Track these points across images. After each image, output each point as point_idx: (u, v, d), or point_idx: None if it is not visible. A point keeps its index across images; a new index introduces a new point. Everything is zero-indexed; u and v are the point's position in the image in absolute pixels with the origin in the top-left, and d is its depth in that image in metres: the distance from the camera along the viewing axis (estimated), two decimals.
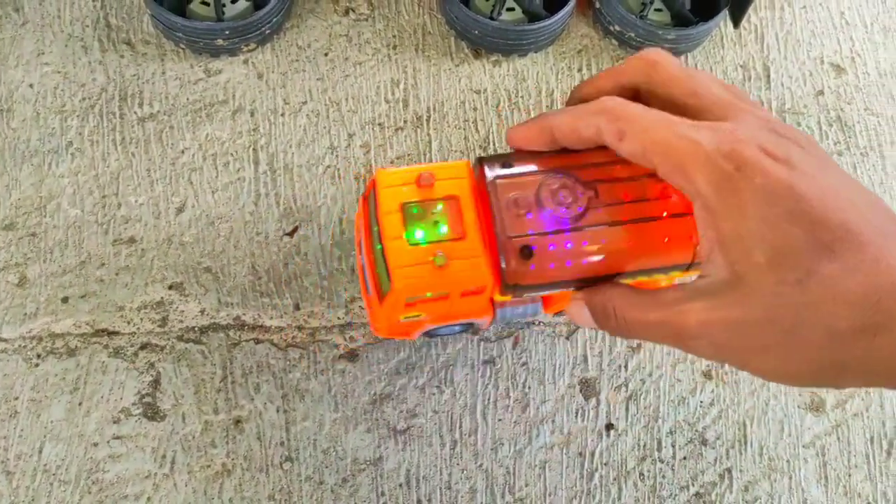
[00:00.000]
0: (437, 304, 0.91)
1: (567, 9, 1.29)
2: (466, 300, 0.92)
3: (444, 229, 0.85)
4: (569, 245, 0.86)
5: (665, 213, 0.86)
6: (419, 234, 0.85)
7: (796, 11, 1.45)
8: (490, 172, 0.87)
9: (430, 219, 0.86)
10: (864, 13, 1.46)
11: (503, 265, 0.84)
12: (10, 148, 1.18)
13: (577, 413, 1.11)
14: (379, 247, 0.88)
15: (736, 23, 1.36)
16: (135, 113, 1.22)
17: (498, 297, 0.93)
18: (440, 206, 0.86)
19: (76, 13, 1.28)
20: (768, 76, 1.38)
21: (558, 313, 1.07)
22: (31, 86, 1.23)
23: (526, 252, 0.85)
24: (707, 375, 1.15)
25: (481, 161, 0.88)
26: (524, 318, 1.02)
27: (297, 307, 1.13)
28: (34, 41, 1.26)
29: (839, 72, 1.40)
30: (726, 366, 1.16)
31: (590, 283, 0.89)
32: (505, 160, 0.88)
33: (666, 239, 0.85)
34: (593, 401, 1.12)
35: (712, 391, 1.14)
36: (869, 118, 1.36)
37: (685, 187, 0.74)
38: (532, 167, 0.88)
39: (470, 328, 1.05)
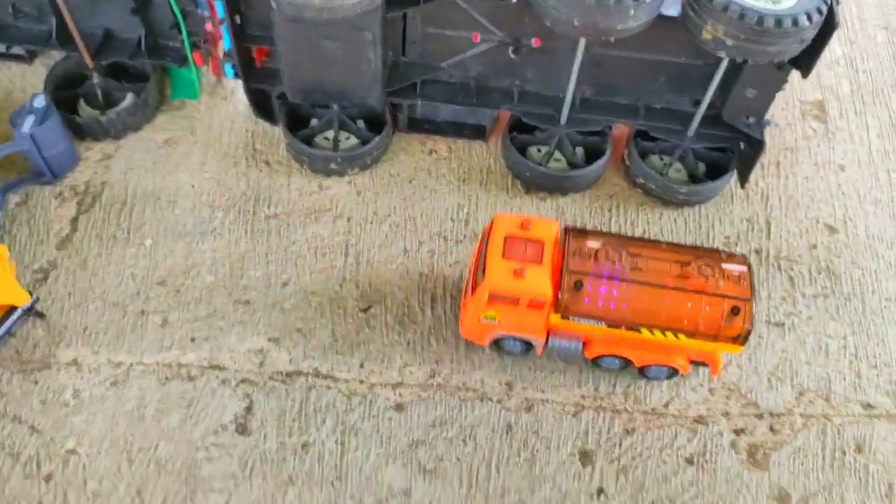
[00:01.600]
0: (509, 309, 1.31)
1: (600, 163, 1.64)
2: (529, 314, 1.31)
3: (528, 255, 1.30)
4: (611, 290, 1.29)
5: (691, 289, 1.29)
6: (511, 252, 1.29)
7: (798, 180, 1.75)
8: (569, 231, 1.34)
9: (521, 247, 1.31)
10: (858, 187, 1.75)
11: (561, 288, 1.27)
12: (172, 228, 1.60)
13: (574, 476, 1.35)
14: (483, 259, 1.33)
15: (742, 183, 1.68)
16: (263, 212, 1.63)
17: (552, 319, 1.32)
18: (530, 242, 1.31)
19: (233, 138, 1.74)
20: (769, 229, 1.67)
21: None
22: (192, 186, 1.66)
23: (578, 284, 1.28)
24: (689, 461, 1.38)
25: (566, 227, 1.36)
26: (568, 355, 1.40)
27: (361, 365, 1.45)
28: (200, 155, 1.71)
29: (832, 231, 1.67)
30: (707, 454, 1.38)
31: (622, 325, 1.30)
32: (583, 230, 1.36)
33: (689, 304, 1.28)
34: (589, 468, 1.36)
35: (692, 475, 1.36)
36: (854, 270, 1.62)
37: None
38: (600, 240, 1.34)
39: (529, 350, 1.41)
